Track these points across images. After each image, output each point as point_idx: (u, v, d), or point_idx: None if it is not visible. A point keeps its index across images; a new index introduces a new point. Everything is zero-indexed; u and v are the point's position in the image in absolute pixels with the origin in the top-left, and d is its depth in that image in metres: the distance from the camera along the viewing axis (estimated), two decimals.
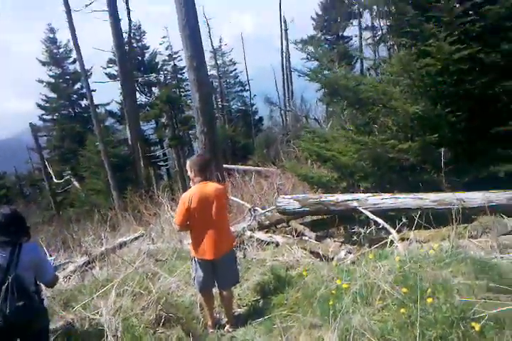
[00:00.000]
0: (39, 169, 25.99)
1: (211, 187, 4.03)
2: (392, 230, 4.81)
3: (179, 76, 32.31)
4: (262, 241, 6.03)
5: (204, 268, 4.05)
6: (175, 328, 3.91)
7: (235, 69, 37.42)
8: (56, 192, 16.79)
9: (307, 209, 5.74)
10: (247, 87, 37.02)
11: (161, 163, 24.56)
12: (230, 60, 37.16)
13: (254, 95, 36.70)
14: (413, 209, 5.03)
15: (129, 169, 16.22)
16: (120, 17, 17.55)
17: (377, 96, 7.02)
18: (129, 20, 20.37)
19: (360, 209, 5.24)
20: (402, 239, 4.71)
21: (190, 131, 31.36)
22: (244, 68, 36.13)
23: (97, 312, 3.82)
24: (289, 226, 6.79)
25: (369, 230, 4.95)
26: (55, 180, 17.01)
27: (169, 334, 3.84)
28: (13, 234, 2.82)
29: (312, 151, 7.59)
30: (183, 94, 31.85)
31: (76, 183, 16.24)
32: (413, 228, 4.59)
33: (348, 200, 5.46)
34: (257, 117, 36.52)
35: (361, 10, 30.12)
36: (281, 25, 29.60)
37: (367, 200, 5.33)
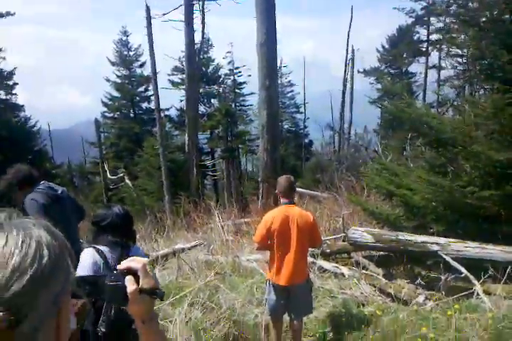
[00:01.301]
0: (94, 163, 26.87)
1: (296, 211, 3.92)
2: (475, 281, 4.53)
3: (237, 90, 32.87)
4: (325, 269, 5.84)
5: (278, 293, 3.91)
6: None
7: (292, 91, 37.74)
8: (109, 188, 17.21)
9: (380, 244, 5.52)
10: (301, 109, 37.25)
11: (210, 173, 24.75)
12: (288, 82, 37.53)
13: (308, 118, 36.84)
14: (499, 261, 4.73)
15: (182, 175, 16.40)
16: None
17: (461, 138, 6.77)
18: (203, 32, 20.91)
19: (441, 254, 4.98)
20: (486, 292, 4.42)
21: (240, 145, 31.70)
22: (299, 91, 36.42)
23: (170, 321, 3.74)
24: (351, 257, 6.58)
25: (450, 277, 4.67)
26: (109, 176, 17.44)
27: None
28: (124, 236, 2.76)
29: (380, 186, 7.38)
30: (238, 108, 32.36)
31: (129, 182, 16.57)
32: (501, 282, 4.31)
33: (428, 243, 5.20)
34: (307, 140, 36.52)
35: (430, 48, 29.97)
36: (347, 53, 29.63)
37: (449, 245, 5.06)
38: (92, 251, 2.45)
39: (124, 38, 30.35)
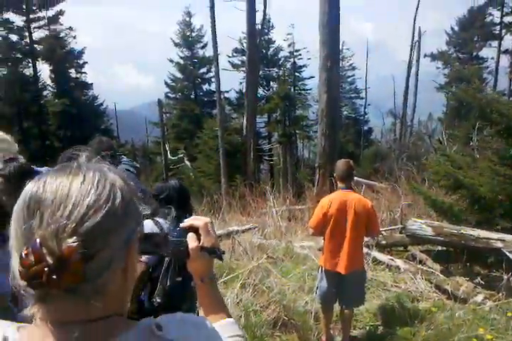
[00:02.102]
0: (156, 143, 27.76)
1: (354, 197, 3.82)
2: None
3: (297, 74, 32.44)
4: (379, 261, 5.72)
5: (330, 280, 3.86)
6: (291, 334, 3.80)
7: (353, 75, 36.71)
8: (169, 168, 17.73)
9: (440, 238, 5.31)
10: (361, 95, 36.23)
11: (266, 158, 24.83)
12: (350, 65, 36.50)
13: (368, 104, 35.79)
14: None
15: (239, 158, 16.57)
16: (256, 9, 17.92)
17: None
18: (264, 12, 20.62)
19: (505, 251, 4.71)
20: None
21: (297, 131, 31.48)
22: (361, 75, 35.33)
23: None
24: (408, 251, 6.40)
25: None
26: (169, 156, 17.95)
27: (285, 339, 3.74)
28: (181, 208, 2.80)
29: (446, 175, 7.05)
30: (297, 92, 31.99)
31: (188, 163, 16.96)
32: None
33: (492, 239, 4.94)
34: (366, 127, 35.59)
35: (503, 31, 27.98)
36: (413, 36, 28.28)
37: None
38: (151, 223, 2.52)
39: (188, 19, 30.73)
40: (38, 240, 0.65)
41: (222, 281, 4.22)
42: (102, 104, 27.75)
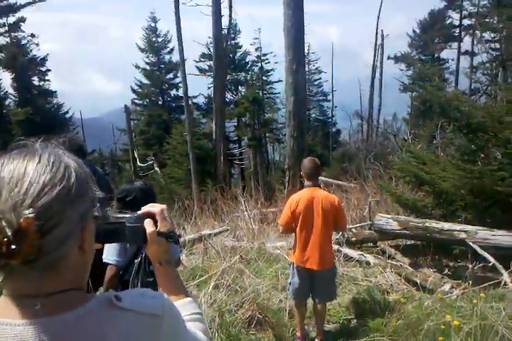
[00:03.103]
0: (124, 150, 27.37)
1: (321, 194, 3.91)
2: (503, 271, 4.46)
3: (264, 78, 32.69)
4: (350, 257, 5.84)
5: (301, 276, 3.94)
6: (266, 332, 3.84)
7: (320, 79, 37.30)
8: (139, 175, 17.55)
9: (407, 232, 5.48)
10: (329, 97, 36.83)
11: (237, 162, 24.86)
12: (316, 69, 37.08)
13: (335, 106, 36.42)
14: None
15: (209, 163, 16.55)
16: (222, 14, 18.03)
17: (491, 124, 6.60)
18: (230, 17, 20.76)
19: (469, 241, 4.90)
20: None
21: (267, 134, 31.65)
22: (327, 78, 36.01)
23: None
24: (377, 246, 6.55)
25: (477, 266, 4.60)
26: (138, 163, 17.76)
27: (260, 337, 3.77)
28: None
29: (409, 172, 7.27)
30: (266, 96, 32.23)
31: (157, 169, 16.82)
32: None
33: (455, 230, 5.13)
34: (334, 129, 36.15)
35: (463, 33, 29.00)
36: (376, 39, 29.05)
37: (476, 234, 4.98)
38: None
39: (153, 25, 30.54)
40: None
41: (195, 283, 4.23)
42: (67, 112, 27.15)
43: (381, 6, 27.52)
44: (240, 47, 32.07)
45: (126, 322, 0.79)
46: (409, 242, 6.20)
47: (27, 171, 0.75)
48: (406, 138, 15.12)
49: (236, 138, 31.00)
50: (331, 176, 15.77)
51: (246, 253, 6.10)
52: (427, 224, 5.34)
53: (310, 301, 4.12)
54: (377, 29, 28.50)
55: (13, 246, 0.67)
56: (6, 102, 26.26)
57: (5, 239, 0.67)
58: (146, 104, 30.55)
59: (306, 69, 35.93)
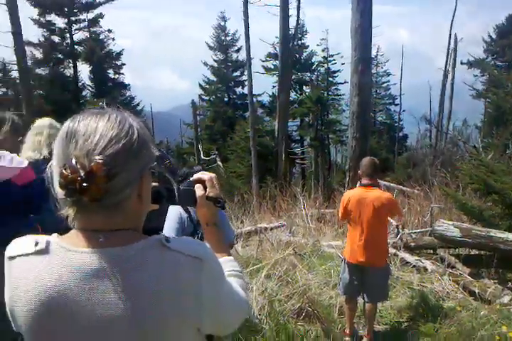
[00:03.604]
0: (190, 143, 28.25)
1: (374, 193, 3.88)
2: None
3: (330, 79, 32.33)
4: (407, 262, 5.71)
5: (351, 271, 3.95)
6: (314, 324, 3.88)
7: (388, 81, 36.29)
8: (202, 168, 18.01)
9: (469, 240, 5.26)
10: (396, 101, 35.77)
11: (298, 161, 24.86)
12: (384, 71, 36.13)
13: (403, 110, 35.29)
14: None
15: (270, 160, 16.69)
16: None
17: None
18: (298, 17, 20.74)
19: None
20: None
21: (330, 136, 31.33)
22: (396, 81, 34.98)
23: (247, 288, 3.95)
24: (436, 254, 6.34)
25: None
26: (202, 157, 18.27)
27: (308, 329, 3.82)
28: None
29: (478, 178, 6.96)
30: (330, 97, 31.88)
31: (220, 163, 17.22)
32: None
33: None
34: (401, 134, 35.09)
35: None
36: (449, 44, 27.78)
37: None
38: (178, 207, 2.65)
39: (222, 24, 31.26)
40: (73, 159, 0.85)
41: (248, 271, 4.34)
42: (138, 105, 28.44)
43: (455, 9, 26.28)
44: (307, 47, 31.97)
45: (172, 261, 0.91)
46: (472, 252, 5.95)
47: (98, 126, 0.89)
48: (476, 146, 14.42)
49: (299, 137, 30.97)
50: (395, 181, 15.39)
51: (300, 248, 6.14)
52: (491, 234, 5.11)
53: (362, 300, 4.10)
54: (450, 33, 27.27)
55: (85, 184, 0.82)
56: (84, 93, 27.96)
57: (79, 178, 0.82)
58: (213, 100, 31.31)
59: (374, 71, 35.21)
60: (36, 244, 0.91)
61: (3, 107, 23.12)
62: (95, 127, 0.89)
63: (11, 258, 0.93)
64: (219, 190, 1.22)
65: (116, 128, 0.90)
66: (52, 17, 26.33)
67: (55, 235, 0.93)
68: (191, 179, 1.21)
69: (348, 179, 11.53)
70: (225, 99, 31.52)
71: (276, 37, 19.10)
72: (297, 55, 30.54)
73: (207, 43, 31.33)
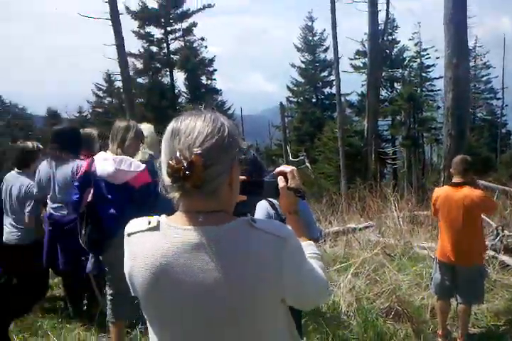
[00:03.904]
0: (278, 145, 28.74)
1: (463, 192, 3.75)
2: None
3: (424, 74, 30.86)
4: (507, 265, 5.39)
5: (442, 271, 3.86)
6: (404, 324, 3.86)
7: (488, 74, 33.72)
8: None
9: None
10: (498, 95, 33.16)
11: (389, 161, 24.11)
12: (484, 64, 33.62)
13: (506, 105, 32.64)
14: None
15: (359, 160, 16.43)
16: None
17: None
18: (387, 12, 20.04)
19: None
20: None
21: (424, 134, 29.98)
22: (498, 74, 32.35)
23: (334, 285, 4.04)
24: None
25: None
26: (291, 158, 18.50)
27: (398, 328, 3.80)
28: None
29: None
30: (424, 93, 30.45)
31: (308, 165, 17.33)
32: None
33: None
34: (504, 130, 32.50)
35: None
36: None
37: None
38: (266, 204, 2.82)
39: (310, 24, 31.29)
40: (178, 152, 1.04)
41: (335, 269, 4.41)
42: (229, 109, 29.48)
43: None
44: (397, 42, 30.89)
45: (258, 240, 1.07)
46: None
47: (196, 125, 1.08)
48: None
49: (390, 136, 30.02)
50: (497, 181, 14.37)
51: (390, 248, 6.06)
52: None
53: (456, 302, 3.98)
54: None
55: (187, 172, 1.01)
56: (179, 99, 29.62)
57: (182, 168, 1.01)
58: (301, 101, 31.47)
59: (472, 64, 32.92)
60: (149, 222, 1.12)
61: (110, 115, 25.23)
62: (194, 126, 1.08)
63: (129, 234, 1.15)
64: (299, 181, 1.36)
65: (211, 126, 1.08)
66: (151, 28, 28.29)
67: (163, 216, 1.15)
68: (274, 172, 1.37)
69: (442, 179, 11.03)
70: (313, 100, 31.53)
71: (365, 33, 18.71)
72: (387, 51, 29.63)
73: (294, 45, 31.61)
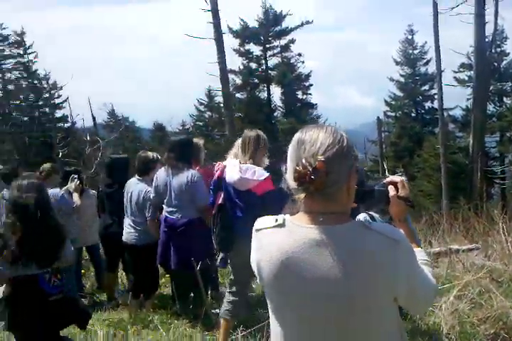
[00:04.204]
0: (374, 161, 28.06)
1: None
2: None
3: None
4: None
5: None
6: None
7: None
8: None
9: None
10: None
11: (497, 181, 22.36)
12: None
13: None
14: None
15: (463, 178, 15.51)
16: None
17: None
18: (495, 23, 18.81)
19: None
20: None
21: None
22: None
23: (435, 306, 3.93)
24: None
25: None
26: (387, 174, 17.98)
27: None
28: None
29: None
30: None
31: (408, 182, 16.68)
32: None
33: None
34: None
35: None
36: None
37: None
38: (366, 216, 2.86)
39: (410, 37, 30.46)
40: (303, 159, 1.19)
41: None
42: (324, 123, 29.49)
43: None
44: (507, 54, 28.76)
45: (373, 240, 1.18)
46: None
47: (319, 136, 1.23)
48: None
49: (498, 154, 27.85)
50: None
51: (497, 273, 5.69)
52: None
53: None
54: None
55: (312, 177, 1.15)
56: (275, 113, 30.27)
57: (308, 172, 1.15)
58: (399, 116, 30.49)
59: None
60: (276, 220, 1.28)
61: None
62: (317, 136, 1.23)
63: (257, 230, 1.32)
64: (408, 191, 1.46)
65: (332, 137, 1.22)
66: (251, 46, 29.40)
67: (287, 215, 1.31)
68: (384, 181, 1.48)
69: None
70: (412, 115, 30.40)
71: (471, 46, 17.79)
72: (496, 64, 27.73)
73: (393, 58, 30.86)
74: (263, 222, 1.33)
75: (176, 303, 4.34)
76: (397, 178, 1.47)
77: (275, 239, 1.25)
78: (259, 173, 3.30)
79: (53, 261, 2.76)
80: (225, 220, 3.42)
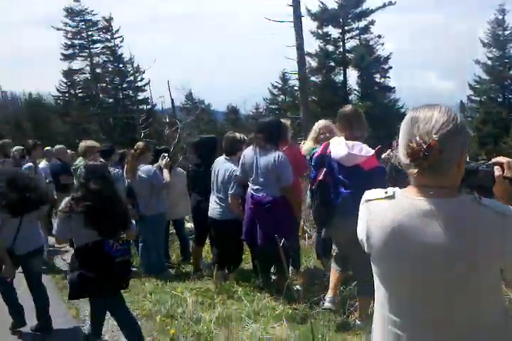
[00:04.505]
0: None
1: None
2: None
3: None
4: None
5: None
6: None
7: None
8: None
9: None
10: None
11: None
12: None
13: None
14: None
15: None
16: None
17: None
18: None
19: None
20: None
21: None
22: None
23: None
24: None
25: None
26: (467, 161, 17.09)
27: None
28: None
29: None
30: None
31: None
32: None
33: None
34: None
35: None
36: None
37: None
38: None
39: (500, 17, 28.29)
40: (417, 136, 1.24)
41: None
42: (402, 108, 28.42)
43: None
44: None
45: (485, 215, 1.22)
46: None
47: (434, 114, 1.27)
48: None
49: None
50: None
51: None
52: None
53: None
54: None
55: (426, 154, 1.21)
56: (350, 97, 29.64)
57: (422, 150, 1.21)
58: (484, 100, 28.67)
59: None
60: (386, 192, 1.35)
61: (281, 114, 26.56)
62: (431, 115, 1.27)
63: (368, 200, 1.39)
64: None
65: (446, 115, 1.26)
66: (329, 28, 28.82)
67: (397, 188, 1.37)
68: (490, 161, 1.48)
69: None
70: (499, 99, 28.45)
71: None
72: None
73: (481, 40, 28.90)
74: (373, 193, 1.40)
75: (259, 277, 4.54)
76: (503, 159, 1.46)
77: (385, 209, 1.33)
78: (366, 150, 3.36)
79: (117, 233, 3.26)
80: (324, 196, 3.50)
